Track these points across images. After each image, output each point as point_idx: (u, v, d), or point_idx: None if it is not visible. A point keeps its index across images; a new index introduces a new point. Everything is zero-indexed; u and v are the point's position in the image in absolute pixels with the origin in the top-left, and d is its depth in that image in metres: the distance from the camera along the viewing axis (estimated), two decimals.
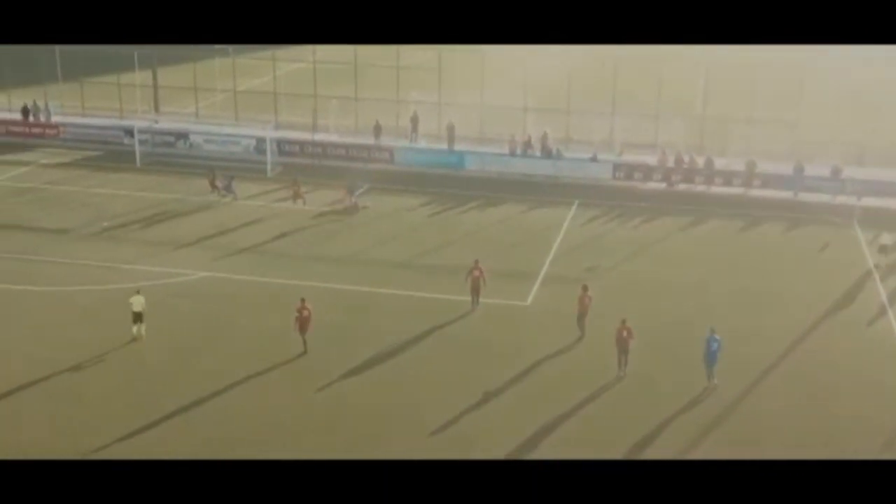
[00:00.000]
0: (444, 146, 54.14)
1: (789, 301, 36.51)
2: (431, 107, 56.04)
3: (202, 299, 35.89)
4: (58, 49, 60.18)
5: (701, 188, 50.70)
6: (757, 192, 49.61)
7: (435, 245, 41.99)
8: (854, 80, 70.84)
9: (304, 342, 31.34)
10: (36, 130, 58.05)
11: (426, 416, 27.98)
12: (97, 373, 30.28)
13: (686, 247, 42.52)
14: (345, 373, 30.40)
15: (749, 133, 52.58)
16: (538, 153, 52.95)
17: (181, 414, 27.86)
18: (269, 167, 51.76)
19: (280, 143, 54.56)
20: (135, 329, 32.03)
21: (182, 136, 55.93)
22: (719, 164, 51.04)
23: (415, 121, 55.36)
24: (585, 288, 33.08)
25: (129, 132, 54.99)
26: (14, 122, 58.40)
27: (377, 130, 54.76)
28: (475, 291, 34.86)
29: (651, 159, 52.00)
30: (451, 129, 53.89)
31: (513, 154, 52.97)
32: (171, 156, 54.14)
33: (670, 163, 51.19)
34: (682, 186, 50.77)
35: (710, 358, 29.51)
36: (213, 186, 47.46)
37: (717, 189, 50.29)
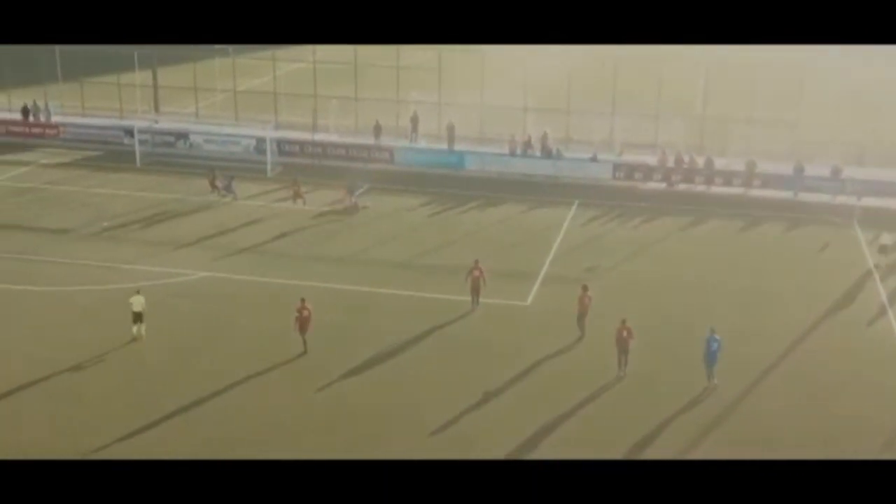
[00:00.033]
0: (444, 146, 54.14)
1: (789, 301, 36.51)
2: (431, 107, 56.03)
3: (202, 299, 35.89)
4: (58, 49, 60.18)
5: (701, 188, 50.70)
6: (757, 192, 49.61)
7: (435, 245, 42.00)
8: (854, 80, 70.87)
9: (304, 342, 31.34)
10: (36, 130, 58.05)
11: (426, 416, 27.98)
12: (97, 373, 30.28)
13: (686, 247, 42.51)
14: (345, 373, 30.40)
15: (749, 133, 52.57)
16: (538, 153, 52.95)
17: (181, 414, 27.86)
18: (269, 167, 51.77)
19: (280, 143, 54.55)
20: (135, 329, 32.03)
21: (182, 136, 55.93)
22: (719, 164, 51.04)
23: (415, 121, 55.36)
24: (585, 288, 33.08)
25: (130, 132, 54.99)
26: (14, 122, 58.40)
27: (377, 130, 54.75)
28: (475, 291, 34.86)
29: (651, 159, 52.00)
30: (451, 129, 53.89)
31: (513, 154, 52.97)
32: (171, 156, 54.14)
33: (670, 163, 51.19)
34: (682, 186, 50.77)
35: (710, 358, 29.51)
36: (214, 186, 47.46)
37: (717, 189, 50.30)
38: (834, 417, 28.47)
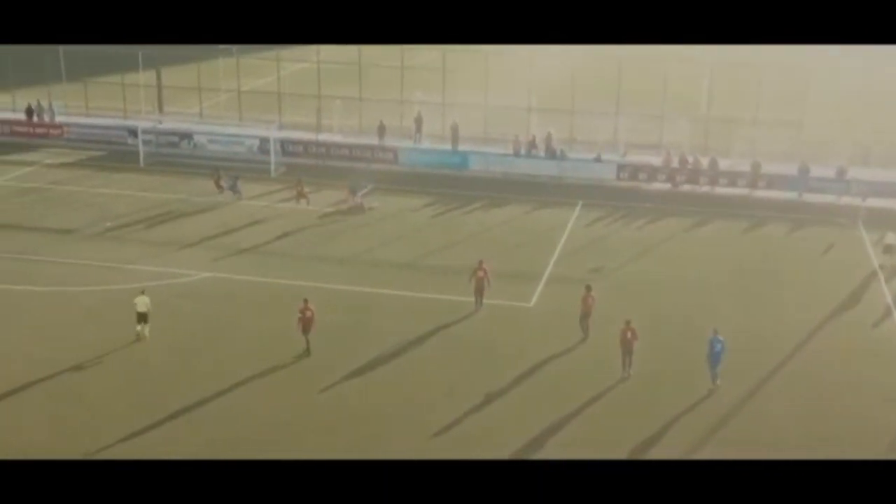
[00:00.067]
0: (448, 146, 54.12)
1: (794, 302, 36.42)
2: (435, 107, 56.03)
3: (205, 300, 35.86)
4: (62, 49, 60.23)
5: (705, 189, 50.60)
6: (762, 193, 49.50)
7: (438, 246, 41.94)
8: (859, 81, 70.71)
9: (307, 343, 31.30)
10: (40, 130, 58.11)
11: (429, 416, 27.92)
12: (100, 373, 30.26)
13: (690, 247, 42.43)
14: (348, 373, 30.35)
15: (754, 134, 52.53)
16: (542, 153, 52.89)
17: (184, 414, 27.82)
18: (272, 167, 51.75)
19: (284, 143, 54.52)
20: (138, 329, 32.01)
21: (186, 136, 55.94)
22: (724, 164, 50.96)
23: (419, 121, 55.32)
24: (589, 288, 33.01)
25: (133, 132, 55.03)
26: (18, 122, 58.46)
27: (381, 131, 54.73)
28: (479, 292, 34.79)
29: (655, 160, 51.93)
30: (454, 129, 53.84)
31: (517, 154, 52.90)
32: (174, 156, 54.17)
33: (675, 163, 51.10)
34: (686, 187, 50.68)
35: (714, 359, 29.43)
36: (219, 186, 47.47)
37: (722, 190, 50.21)
38: (839, 418, 28.38)
